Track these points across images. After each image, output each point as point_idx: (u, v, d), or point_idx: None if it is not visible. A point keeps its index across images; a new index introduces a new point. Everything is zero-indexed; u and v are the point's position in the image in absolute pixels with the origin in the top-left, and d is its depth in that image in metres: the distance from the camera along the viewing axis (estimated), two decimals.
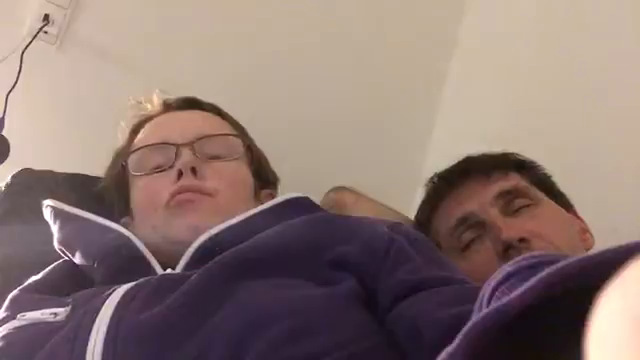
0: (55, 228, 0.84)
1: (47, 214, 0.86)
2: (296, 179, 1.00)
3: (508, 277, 0.40)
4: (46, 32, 1.27)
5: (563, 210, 0.96)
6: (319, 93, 1.48)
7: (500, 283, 0.40)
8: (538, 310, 0.34)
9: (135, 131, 0.94)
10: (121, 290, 0.66)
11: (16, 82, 1.20)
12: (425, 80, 1.56)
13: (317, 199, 0.95)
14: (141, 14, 1.36)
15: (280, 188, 0.97)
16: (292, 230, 0.74)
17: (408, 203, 1.20)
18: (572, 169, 1.10)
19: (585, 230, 0.97)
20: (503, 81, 1.44)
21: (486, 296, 0.41)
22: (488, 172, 0.95)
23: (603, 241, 0.92)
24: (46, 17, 1.27)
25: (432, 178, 1.03)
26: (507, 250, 0.86)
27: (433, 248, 0.75)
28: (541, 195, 0.95)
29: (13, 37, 1.24)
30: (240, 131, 0.94)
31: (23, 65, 1.21)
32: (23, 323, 0.67)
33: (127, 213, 0.88)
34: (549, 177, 1.00)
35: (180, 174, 0.81)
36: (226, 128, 0.92)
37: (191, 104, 0.96)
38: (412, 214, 1.07)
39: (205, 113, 0.94)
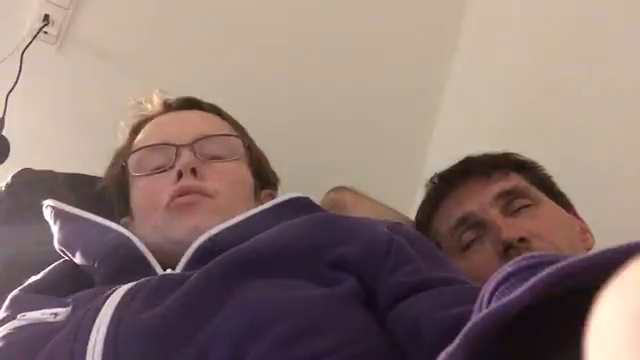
0: (55, 228, 0.84)
1: (47, 214, 0.86)
2: (296, 179, 1.00)
3: (508, 277, 0.40)
4: (46, 32, 1.27)
5: (563, 210, 0.96)
6: (319, 93, 1.48)
7: (500, 283, 0.40)
8: (538, 310, 0.34)
9: (135, 131, 0.94)
10: (121, 290, 0.66)
11: (16, 82, 1.20)
12: (426, 80, 1.56)
13: (317, 199, 0.95)
14: (141, 14, 1.36)
15: (280, 188, 0.97)
16: (292, 230, 0.74)
17: (408, 203, 1.20)
18: (572, 169, 1.10)
19: (585, 230, 0.97)
20: (503, 81, 1.44)
21: (486, 296, 0.41)
22: (488, 172, 0.96)
23: (603, 241, 0.92)
24: (46, 17, 1.27)
25: (432, 178, 1.03)
26: (507, 250, 0.86)
27: (433, 248, 0.75)
28: (541, 195, 0.95)
29: (13, 37, 1.24)
30: (240, 131, 0.94)
31: (23, 65, 1.21)
32: (23, 323, 0.67)
33: (127, 213, 0.88)
34: (549, 177, 1.01)
35: (180, 175, 0.81)
36: (226, 128, 0.92)
37: (191, 104, 0.96)
38: (412, 214, 1.07)
39: (205, 113, 0.94)
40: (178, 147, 0.84)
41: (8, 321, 0.69)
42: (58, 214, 0.85)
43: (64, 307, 0.68)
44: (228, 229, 0.76)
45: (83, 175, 1.08)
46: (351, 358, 0.57)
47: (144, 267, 0.74)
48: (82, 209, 0.85)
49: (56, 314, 0.67)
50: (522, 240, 0.86)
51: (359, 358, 0.58)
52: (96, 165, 0.99)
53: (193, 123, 0.90)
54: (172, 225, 0.78)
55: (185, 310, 0.62)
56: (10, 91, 1.19)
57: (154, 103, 0.97)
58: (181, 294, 0.63)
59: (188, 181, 0.80)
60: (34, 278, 0.80)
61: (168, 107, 0.95)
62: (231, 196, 0.82)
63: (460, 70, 1.55)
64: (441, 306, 0.58)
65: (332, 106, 1.48)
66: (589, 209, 1.00)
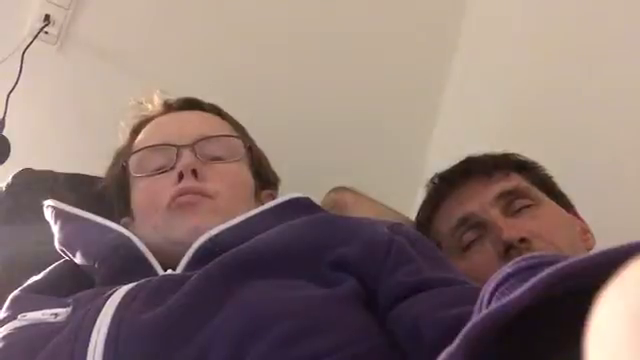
0: (56, 228, 0.84)
1: (48, 214, 0.86)
2: (296, 179, 1.00)
3: (508, 278, 0.40)
4: (47, 32, 1.27)
5: (564, 210, 0.96)
6: (319, 93, 1.47)
7: (500, 284, 0.40)
8: (538, 310, 0.34)
9: (136, 131, 0.94)
10: (122, 291, 0.66)
11: (17, 82, 1.20)
12: (426, 80, 1.56)
13: (317, 199, 0.95)
14: (142, 14, 1.36)
15: (280, 188, 0.97)
16: (293, 231, 0.74)
17: (409, 203, 1.20)
18: (572, 169, 1.10)
19: (586, 230, 0.97)
20: (503, 81, 1.44)
21: (486, 297, 0.41)
22: (489, 172, 0.96)
23: (603, 241, 0.92)
24: (47, 17, 1.26)
25: (433, 178, 1.03)
26: (508, 250, 0.86)
27: (434, 249, 0.75)
28: (542, 196, 0.95)
29: (14, 37, 1.24)
30: (241, 132, 0.94)
31: (24, 65, 1.21)
32: (24, 323, 0.67)
33: (127, 213, 0.88)
34: (550, 178, 1.01)
35: (181, 176, 0.81)
36: (227, 129, 0.92)
37: (192, 104, 0.96)
38: (413, 214, 1.07)
39: (206, 114, 0.94)
40: (179, 148, 0.84)
41: (9, 321, 0.69)
42: (58, 214, 0.85)
43: (64, 307, 0.68)
44: (228, 229, 0.76)
45: (83, 175, 1.09)
46: (351, 358, 0.57)
47: (144, 267, 0.75)
48: (82, 209, 0.85)
49: (56, 314, 0.67)
50: (523, 240, 0.86)
51: (359, 358, 0.58)
52: (96, 165, 0.99)
53: (194, 124, 0.90)
54: (172, 225, 0.78)
55: (186, 310, 0.62)
56: (11, 91, 1.19)
57: (155, 103, 0.97)
58: (182, 294, 0.63)
59: (189, 182, 0.80)
60: (34, 278, 0.80)
61: (169, 107, 0.95)
62: (231, 197, 0.82)
63: (460, 70, 1.55)
64: (441, 306, 0.58)
65: (332, 106, 1.48)
66: (589, 209, 1.00)
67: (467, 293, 0.59)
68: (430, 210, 1.00)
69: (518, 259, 0.41)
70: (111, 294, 0.66)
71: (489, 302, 0.40)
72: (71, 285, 0.77)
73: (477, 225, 0.92)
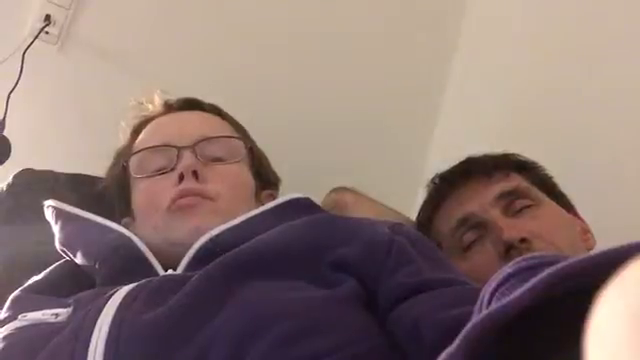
0: (56, 228, 0.84)
1: (48, 214, 0.86)
2: (296, 179, 1.00)
3: (508, 278, 0.40)
4: (47, 32, 1.27)
5: (564, 211, 0.96)
6: (319, 93, 1.47)
7: (500, 284, 0.40)
8: (538, 311, 0.34)
9: (136, 131, 0.94)
10: (123, 291, 0.66)
11: (17, 82, 1.20)
12: (426, 80, 1.56)
13: (318, 199, 0.95)
14: (142, 14, 1.36)
15: (280, 188, 0.97)
16: (293, 231, 0.74)
17: (409, 203, 1.20)
18: (572, 169, 1.10)
19: (586, 230, 0.97)
20: (504, 82, 1.44)
21: (486, 297, 0.41)
22: (489, 173, 0.96)
23: (603, 241, 0.92)
24: (47, 17, 1.26)
25: (433, 179, 1.03)
26: (508, 251, 0.86)
27: (434, 249, 0.75)
28: (542, 196, 0.96)
29: (14, 37, 1.24)
30: (242, 132, 0.94)
31: (24, 65, 1.21)
32: (24, 324, 0.68)
33: (128, 214, 0.88)
34: (550, 178, 1.01)
35: (182, 177, 0.81)
36: (227, 129, 0.92)
37: (192, 105, 0.96)
38: (413, 215, 1.07)
39: (206, 114, 0.94)
40: (179, 149, 0.84)
41: (9, 321, 0.69)
42: (59, 214, 0.85)
43: (65, 308, 0.68)
44: (229, 230, 0.76)
45: (84, 175, 1.09)
46: (351, 358, 0.57)
47: (145, 268, 0.75)
48: (83, 209, 0.85)
49: (57, 315, 0.67)
50: (523, 241, 0.86)
51: (359, 358, 0.58)
52: (97, 165, 0.99)
53: (194, 124, 0.90)
54: (173, 226, 0.78)
55: (186, 310, 0.62)
56: (11, 91, 1.19)
57: (155, 103, 0.97)
58: (183, 295, 0.63)
59: (189, 184, 0.80)
60: (35, 278, 0.80)
61: (169, 108, 0.95)
62: (232, 198, 0.82)
63: (460, 70, 1.55)
64: (441, 307, 0.58)
65: (332, 106, 1.48)
66: (589, 209, 1.00)
67: (467, 294, 0.59)
68: (430, 210, 1.00)
69: (518, 259, 0.41)
70: (112, 294, 0.66)
71: (489, 302, 0.40)
72: (72, 285, 0.77)
73: (477, 225, 0.92)
